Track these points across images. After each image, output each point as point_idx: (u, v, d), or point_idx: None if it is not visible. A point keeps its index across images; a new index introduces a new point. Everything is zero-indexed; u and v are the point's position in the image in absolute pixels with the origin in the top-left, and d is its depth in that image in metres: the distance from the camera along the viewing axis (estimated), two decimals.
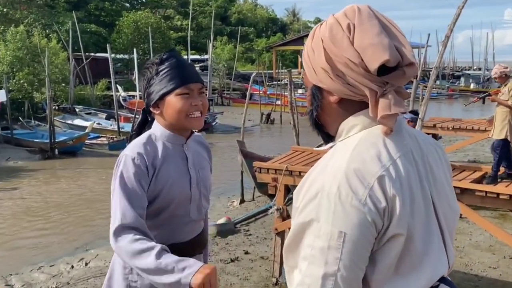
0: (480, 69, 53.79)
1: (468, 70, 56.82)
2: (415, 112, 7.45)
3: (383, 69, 1.23)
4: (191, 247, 2.32)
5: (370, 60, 1.22)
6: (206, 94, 2.39)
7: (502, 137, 7.08)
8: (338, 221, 1.18)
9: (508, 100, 7.00)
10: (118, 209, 2.09)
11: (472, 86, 44.27)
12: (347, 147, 1.28)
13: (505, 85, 7.16)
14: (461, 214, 8.82)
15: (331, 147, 1.36)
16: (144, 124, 2.38)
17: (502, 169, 7.04)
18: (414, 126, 7.26)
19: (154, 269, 1.96)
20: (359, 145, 1.27)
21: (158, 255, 1.97)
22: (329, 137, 1.41)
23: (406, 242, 1.21)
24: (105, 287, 2.34)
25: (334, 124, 1.36)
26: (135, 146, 2.21)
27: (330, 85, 1.30)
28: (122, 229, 2.06)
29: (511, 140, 7.11)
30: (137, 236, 2.03)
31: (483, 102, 7.45)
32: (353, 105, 1.31)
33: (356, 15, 1.26)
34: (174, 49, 2.45)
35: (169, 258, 1.97)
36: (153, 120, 2.33)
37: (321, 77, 1.31)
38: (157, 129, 2.28)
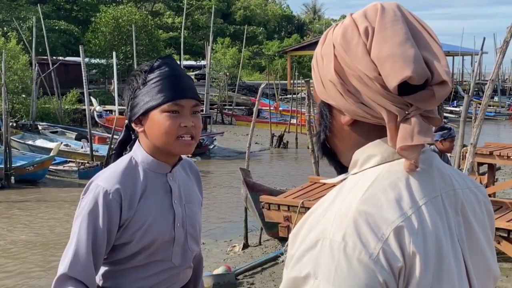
0: None
1: None
2: (443, 128, 7.30)
3: (407, 87, 1.20)
4: None
5: (388, 75, 1.19)
6: (201, 114, 2.41)
7: None
8: (341, 280, 1.14)
9: None
10: (70, 252, 2.13)
11: None
12: (359, 184, 1.24)
13: None
14: None
15: (343, 179, 1.33)
16: (127, 143, 2.42)
17: None
18: (451, 147, 7.23)
19: None
20: (375, 184, 1.23)
21: None
22: (342, 168, 1.37)
23: None
24: None
25: (347, 152, 1.32)
26: (112, 177, 2.22)
27: (340, 102, 1.27)
28: (64, 281, 2.11)
29: None
30: None
31: None
32: (372, 130, 1.28)
33: (378, 17, 1.23)
34: (170, 56, 2.49)
35: None
36: (136, 138, 2.36)
37: (330, 92, 1.29)
38: (138, 153, 2.30)
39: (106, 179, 2.21)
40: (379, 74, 1.20)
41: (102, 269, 2.28)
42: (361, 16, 1.26)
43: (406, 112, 1.21)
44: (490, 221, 1.39)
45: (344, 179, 1.32)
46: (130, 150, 2.37)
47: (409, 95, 1.20)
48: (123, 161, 2.30)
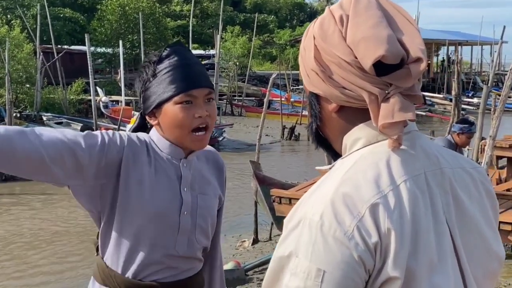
0: None
1: None
2: (465, 121, 7.37)
3: (386, 68, 1.28)
4: None
5: (363, 57, 1.28)
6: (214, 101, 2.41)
7: None
8: (318, 256, 1.22)
9: None
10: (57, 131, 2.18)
11: None
12: (342, 167, 1.34)
13: None
14: None
15: (331, 166, 1.40)
16: (141, 131, 2.43)
17: None
18: (468, 140, 7.25)
19: None
20: (356, 165, 1.32)
21: None
22: (337, 155, 1.46)
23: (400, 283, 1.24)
24: None
25: (337, 139, 1.42)
26: (126, 133, 2.31)
27: (324, 89, 1.37)
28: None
29: None
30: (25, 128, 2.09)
31: None
32: (357, 114, 1.37)
33: (352, 5, 1.33)
34: (179, 42, 2.50)
35: None
36: (151, 127, 2.38)
37: (314, 81, 1.39)
38: (154, 135, 2.34)
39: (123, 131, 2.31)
40: (356, 58, 1.30)
41: (110, 250, 2.33)
42: (337, 7, 1.37)
43: (386, 92, 1.29)
44: (490, 201, 1.46)
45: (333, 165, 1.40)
46: None
47: (387, 75, 1.29)
48: (142, 133, 2.37)
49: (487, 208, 1.44)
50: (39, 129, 2.09)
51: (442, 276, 1.29)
